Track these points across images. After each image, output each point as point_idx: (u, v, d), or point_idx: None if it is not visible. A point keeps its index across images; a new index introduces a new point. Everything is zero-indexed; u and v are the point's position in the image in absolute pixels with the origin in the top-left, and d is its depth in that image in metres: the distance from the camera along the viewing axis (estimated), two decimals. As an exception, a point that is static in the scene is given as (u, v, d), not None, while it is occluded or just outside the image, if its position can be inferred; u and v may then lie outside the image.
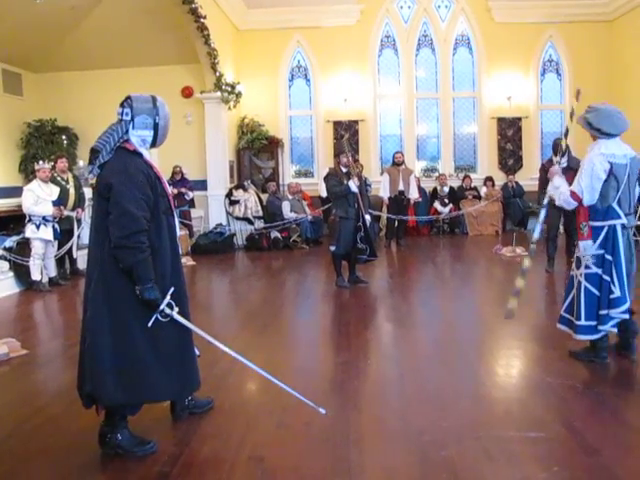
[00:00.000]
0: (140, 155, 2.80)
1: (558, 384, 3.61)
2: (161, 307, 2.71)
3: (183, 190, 10.43)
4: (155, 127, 2.81)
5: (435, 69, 13.03)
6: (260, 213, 11.35)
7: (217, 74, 10.92)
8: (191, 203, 10.92)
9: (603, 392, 3.45)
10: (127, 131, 2.76)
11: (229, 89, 11.26)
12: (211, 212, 11.43)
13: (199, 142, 11.46)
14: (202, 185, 11.37)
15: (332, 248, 6.73)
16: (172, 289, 2.77)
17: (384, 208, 10.97)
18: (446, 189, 12.34)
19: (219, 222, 11.18)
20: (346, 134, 11.99)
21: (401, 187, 10.52)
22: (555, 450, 2.76)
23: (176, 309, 2.78)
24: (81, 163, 11.50)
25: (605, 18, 12.41)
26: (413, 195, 10.71)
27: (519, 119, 12.69)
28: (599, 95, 12.47)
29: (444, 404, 3.35)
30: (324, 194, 10.51)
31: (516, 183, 12.11)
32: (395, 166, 10.60)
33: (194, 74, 11.38)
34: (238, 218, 11.30)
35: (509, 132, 12.69)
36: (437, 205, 12.21)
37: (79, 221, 8.10)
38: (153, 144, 2.88)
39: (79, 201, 8.03)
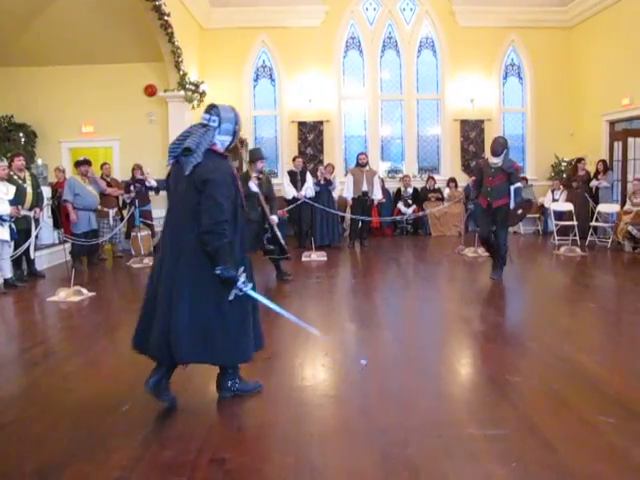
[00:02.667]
0: (226, 158, 3.28)
1: (518, 382, 3.68)
2: (239, 283, 3.13)
3: (142, 177, 9.96)
4: (234, 134, 3.31)
5: (399, 71, 13.18)
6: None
7: (181, 73, 10.81)
8: (156, 191, 10.39)
9: (562, 390, 3.52)
10: (214, 136, 3.22)
11: (193, 88, 11.16)
12: (174, 212, 11.27)
13: (162, 141, 11.29)
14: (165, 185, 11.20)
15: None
16: (242, 268, 3.20)
17: (348, 209, 11.03)
18: (410, 190, 12.45)
19: (183, 222, 11.02)
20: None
21: (365, 188, 10.60)
22: (514, 447, 2.80)
23: (250, 284, 3.20)
24: (39, 161, 11.23)
25: (564, 25, 12.74)
26: (377, 196, 10.80)
27: (482, 121, 12.94)
28: (559, 98, 12.83)
29: (406, 403, 3.38)
30: (289, 195, 10.54)
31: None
32: (359, 167, 10.66)
33: (157, 72, 11.23)
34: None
35: (472, 134, 12.93)
36: (401, 206, 12.32)
37: (37, 221, 7.89)
38: (227, 147, 3.32)
39: (37, 200, 7.83)
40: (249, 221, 6.81)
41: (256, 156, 7.14)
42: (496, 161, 6.88)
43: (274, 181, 12.52)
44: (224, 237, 3.08)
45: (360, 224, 10.76)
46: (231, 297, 3.17)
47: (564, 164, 12.58)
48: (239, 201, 3.30)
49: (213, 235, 3.06)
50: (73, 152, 11.57)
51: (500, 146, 6.83)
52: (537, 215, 12.35)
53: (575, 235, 10.36)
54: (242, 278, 3.17)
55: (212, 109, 3.28)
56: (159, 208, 11.10)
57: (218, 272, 3.08)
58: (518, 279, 7.86)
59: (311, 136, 12.76)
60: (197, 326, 3.13)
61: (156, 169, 11.09)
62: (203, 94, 11.54)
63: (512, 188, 6.87)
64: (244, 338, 3.31)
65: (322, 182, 10.71)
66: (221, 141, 3.27)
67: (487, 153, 12.80)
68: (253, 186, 6.88)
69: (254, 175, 7.06)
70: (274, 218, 7.15)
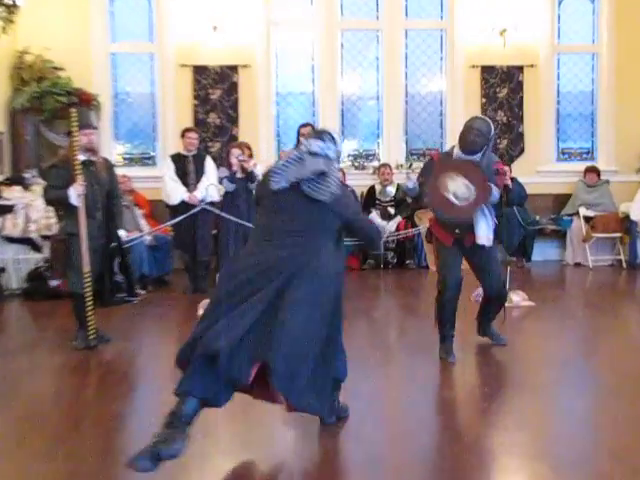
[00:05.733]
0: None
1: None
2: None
3: None
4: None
5: (374, -21, 13.31)
6: (55, 230, 10.96)
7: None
8: None
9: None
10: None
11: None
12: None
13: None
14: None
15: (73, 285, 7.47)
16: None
17: None
18: (391, 190, 12.39)
19: (-28, 245, 10.83)
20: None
21: (312, 185, 10.48)
22: None
23: None
24: None
25: None
26: (333, 200, 10.68)
27: (519, 69, 13.11)
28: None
29: None
30: (174, 198, 10.58)
31: (512, 180, 12.25)
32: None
33: None
34: (10, 239, 10.93)
35: (502, 91, 13.09)
36: (375, 217, 12.13)
37: None
38: None
39: None
40: (77, 237, 7.34)
41: (80, 122, 7.35)
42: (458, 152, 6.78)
43: (146, 172, 12.52)
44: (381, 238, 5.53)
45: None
46: None
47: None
48: None
49: (377, 241, 5.47)
50: None
51: (481, 137, 6.59)
52: (617, 234, 12.50)
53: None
54: None
55: (325, 135, 4.94)
56: None
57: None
58: (585, 349, 7.86)
59: (217, 92, 12.82)
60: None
61: None
62: (14, 10, 11.35)
63: (493, 187, 6.68)
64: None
65: (238, 175, 10.48)
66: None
67: (520, 125, 12.91)
68: (73, 196, 7.16)
69: (76, 160, 7.22)
70: (123, 233, 7.78)
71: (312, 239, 4.82)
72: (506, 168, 7.12)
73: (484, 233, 6.72)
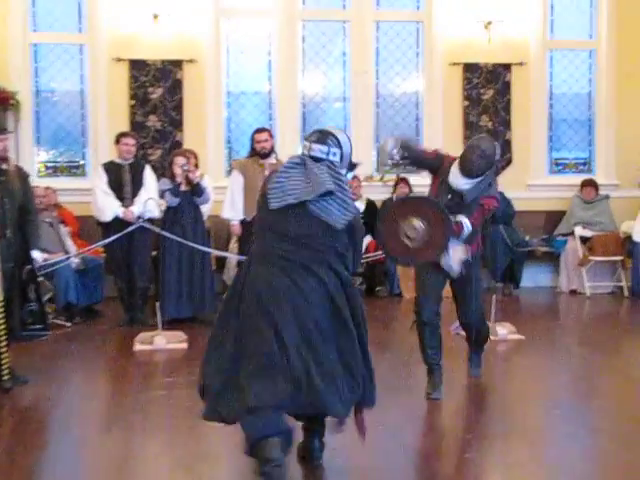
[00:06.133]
0: None
1: None
2: None
3: None
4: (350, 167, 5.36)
5: (341, -36, 13.39)
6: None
7: None
8: None
9: None
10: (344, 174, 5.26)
11: None
12: None
13: None
14: None
15: None
16: None
17: (232, 242, 10.92)
18: (360, 205, 12.26)
19: None
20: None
21: (267, 201, 10.41)
22: None
23: None
24: None
25: None
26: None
27: (507, 67, 13.16)
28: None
29: None
30: (106, 215, 10.45)
31: (499, 195, 12.26)
32: (256, 158, 10.60)
33: None
34: None
35: (486, 93, 13.16)
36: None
37: None
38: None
39: None
40: None
41: None
42: (465, 182, 6.81)
43: (73, 184, 12.36)
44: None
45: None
46: None
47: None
48: None
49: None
50: None
51: (484, 159, 6.70)
52: (618, 258, 12.52)
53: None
54: None
55: (328, 138, 4.99)
56: None
57: None
58: (581, 390, 7.94)
59: (158, 91, 12.79)
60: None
61: None
62: None
63: (463, 221, 6.72)
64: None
65: (182, 187, 10.35)
66: None
67: (507, 131, 12.88)
68: None
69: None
70: (37, 254, 7.96)
71: (323, 262, 4.88)
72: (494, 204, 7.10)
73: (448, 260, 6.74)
